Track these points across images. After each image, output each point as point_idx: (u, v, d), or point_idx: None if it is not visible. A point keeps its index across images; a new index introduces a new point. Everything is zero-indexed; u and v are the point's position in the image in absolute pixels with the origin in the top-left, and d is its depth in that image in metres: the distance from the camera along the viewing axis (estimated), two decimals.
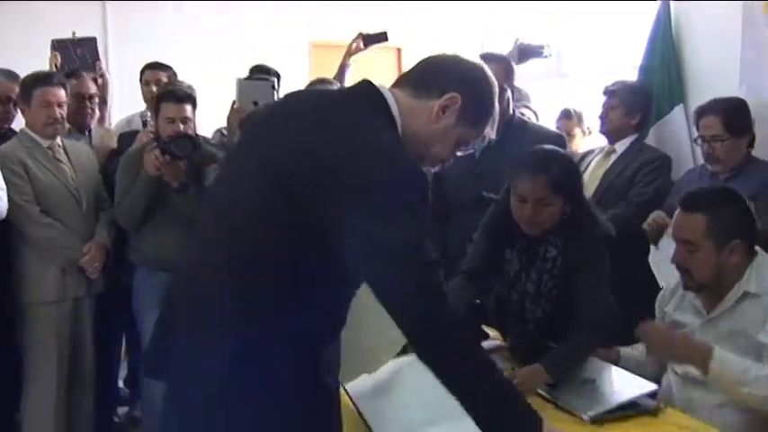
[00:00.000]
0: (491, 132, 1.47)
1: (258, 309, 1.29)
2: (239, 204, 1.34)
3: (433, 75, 1.40)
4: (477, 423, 1.28)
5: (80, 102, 3.24)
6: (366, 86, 1.39)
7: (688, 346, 1.86)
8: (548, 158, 2.00)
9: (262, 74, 3.25)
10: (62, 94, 2.86)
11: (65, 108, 2.88)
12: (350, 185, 1.25)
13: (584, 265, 2.00)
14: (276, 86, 2.97)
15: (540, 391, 1.89)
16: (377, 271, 1.25)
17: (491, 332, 2.32)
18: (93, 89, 3.32)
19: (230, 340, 1.28)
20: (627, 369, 2.03)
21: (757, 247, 1.98)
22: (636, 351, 2.21)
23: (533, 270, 2.09)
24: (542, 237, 2.06)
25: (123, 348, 3.59)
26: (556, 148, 2.11)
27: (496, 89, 1.46)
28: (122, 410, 3.66)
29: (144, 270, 2.95)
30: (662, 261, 2.50)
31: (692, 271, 1.96)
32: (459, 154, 1.46)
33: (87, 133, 3.33)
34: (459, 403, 1.28)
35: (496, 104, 1.46)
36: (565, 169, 2.00)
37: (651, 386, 1.86)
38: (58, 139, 2.92)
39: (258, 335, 1.28)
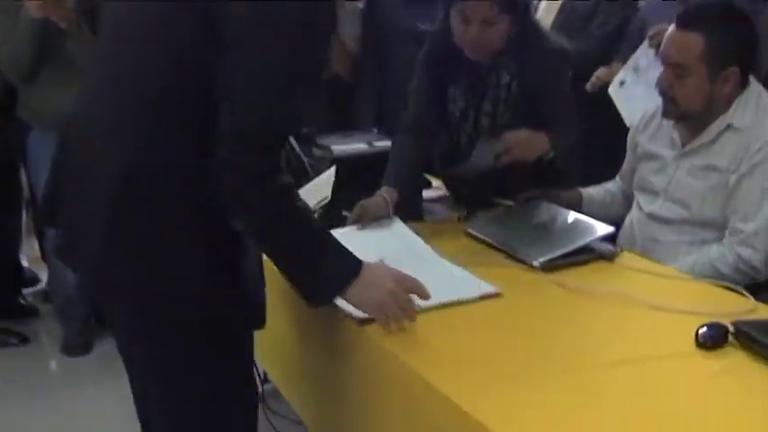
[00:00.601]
0: None
1: (156, 128, 1.32)
2: (136, 22, 1.36)
3: None
4: (282, 266, 1.38)
5: None
6: None
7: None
8: None
9: None
10: None
11: None
12: None
13: (544, 86, 2.04)
14: None
15: (486, 238, 1.96)
16: (239, 91, 1.26)
17: (434, 181, 2.39)
18: None
19: (123, 162, 1.32)
20: (591, 212, 2.09)
21: (752, 77, 1.98)
22: (601, 190, 2.31)
23: (486, 102, 2.12)
24: (492, 63, 2.07)
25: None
26: None
27: None
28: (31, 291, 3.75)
29: (39, 131, 2.91)
30: (627, 98, 2.55)
31: (677, 99, 1.96)
32: None
33: None
34: (264, 249, 1.38)
35: None
36: None
37: (608, 229, 1.90)
38: None
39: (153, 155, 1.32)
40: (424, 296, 1.46)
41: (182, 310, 1.37)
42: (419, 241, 1.89)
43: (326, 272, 1.42)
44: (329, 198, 1.98)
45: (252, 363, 1.56)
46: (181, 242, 1.34)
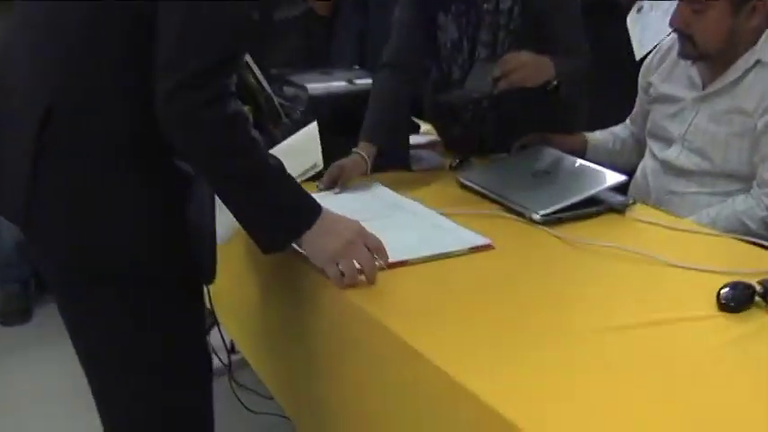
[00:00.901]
0: None
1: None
2: None
3: None
4: (233, 208, 1.37)
5: None
6: None
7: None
8: None
9: None
10: None
11: None
12: None
13: (551, 7, 2.00)
14: None
15: (480, 188, 1.92)
16: (167, 17, 1.27)
17: (423, 125, 2.34)
18: None
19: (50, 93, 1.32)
20: (597, 160, 2.05)
21: None
22: (609, 135, 2.27)
23: (483, 31, 2.06)
24: None
25: None
26: None
27: None
28: None
29: None
30: (641, 26, 2.48)
31: (695, 38, 1.91)
32: None
33: None
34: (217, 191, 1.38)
35: None
36: None
37: (619, 177, 1.86)
38: None
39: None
40: (383, 258, 1.45)
41: (116, 267, 1.36)
42: (403, 199, 1.87)
43: (281, 215, 1.40)
44: (321, 166, 1.91)
45: (202, 323, 1.55)
46: (111, 191, 1.34)
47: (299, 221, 1.41)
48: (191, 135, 1.31)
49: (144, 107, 1.29)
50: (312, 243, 1.41)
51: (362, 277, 1.42)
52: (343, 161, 1.93)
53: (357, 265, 1.41)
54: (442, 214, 1.75)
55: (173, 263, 1.39)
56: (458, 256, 1.56)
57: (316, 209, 1.41)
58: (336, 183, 1.91)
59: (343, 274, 1.41)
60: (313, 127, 1.95)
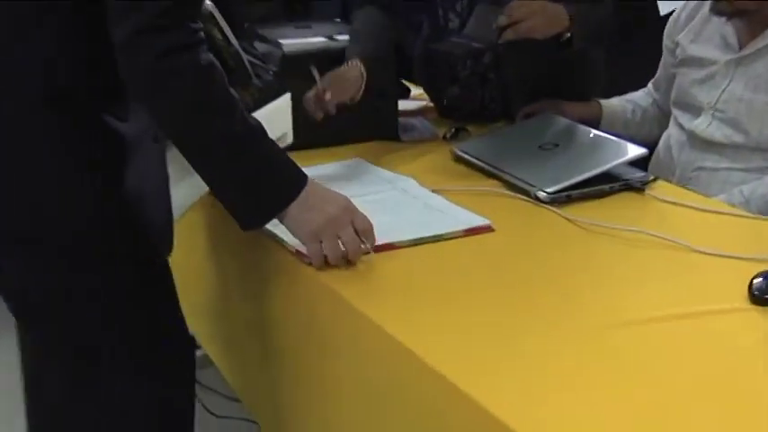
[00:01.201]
0: None
1: None
2: None
3: None
4: (206, 177, 1.40)
5: None
6: None
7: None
8: None
9: None
10: None
11: None
12: None
13: None
14: None
15: (479, 161, 1.91)
16: None
17: (414, 89, 2.33)
18: None
19: None
20: (612, 130, 2.04)
21: None
22: (628, 103, 2.25)
23: None
24: None
25: None
26: None
27: None
28: None
29: None
30: None
31: None
32: None
33: None
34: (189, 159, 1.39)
35: None
36: None
37: (638, 150, 1.84)
38: None
39: None
40: (369, 242, 1.44)
41: (54, 241, 1.37)
42: (390, 173, 1.86)
43: (264, 184, 1.40)
44: (291, 139, 1.89)
45: (171, 306, 1.56)
46: (28, 149, 1.34)
47: (284, 192, 1.40)
48: (160, 90, 1.31)
49: (67, 50, 1.31)
50: (294, 217, 1.40)
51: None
52: (339, 70, 1.90)
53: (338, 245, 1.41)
54: (434, 191, 1.74)
55: (119, 236, 1.39)
56: (451, 238, 1.54)
57: (302, 178, 1.41)
58: (330, 94, 1.85)
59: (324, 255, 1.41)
60: (286, 98, 1.93)
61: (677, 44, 2.11)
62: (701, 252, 1.48)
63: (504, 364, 1.16)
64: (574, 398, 1.07)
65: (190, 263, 1.87)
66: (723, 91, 1.98)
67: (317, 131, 1.90)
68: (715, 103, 1.99)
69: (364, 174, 1.88)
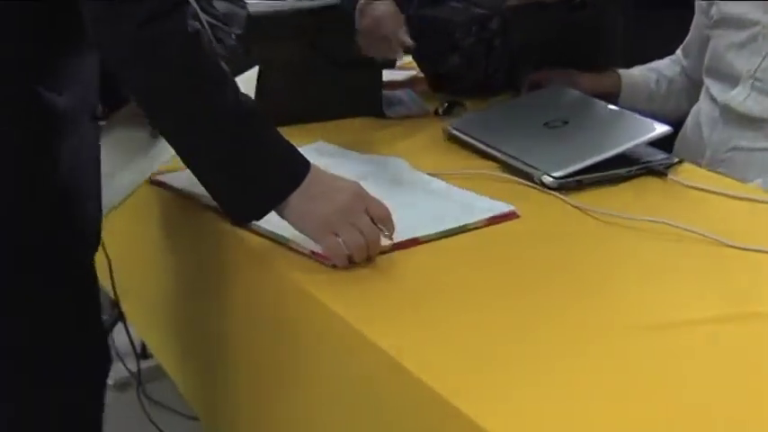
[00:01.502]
0: None
1: None
2: None
3: None
4: (194, 164, 1.39)
5: None
6: None
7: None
8: None
9: None
10: None
11: None
12: None
13: None
14: None
15: (475, 141, 1.89)
16: None
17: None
18: None
19: None
20: (633, 106, 2.04)
21: None
22: (652, 73, 2.24)
23: None
24: None
25: None
26: None
27: None
28: None
29: None
30: None
31: None
32: None
33: None
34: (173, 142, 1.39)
35: None
36: None
37: (660, 129, 1.82)
38: None
39: None
40: (388, 230, 1.43)
41: None
42: (380, 157, 1.85)
43: (261, 170, 1.38)
44: None
45: (91, 305, 1.54)
46: None
47: (284, 180, 1.38)
48: (144, 60, 1.30)
49: None
50: (298, 209, 1.38)
51: None
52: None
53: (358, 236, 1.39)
54: (429, 174, 1.73)
55: (41, 225, 1.38)
56: (474, 228, 1.55)
57: (304, 163, 1.39)
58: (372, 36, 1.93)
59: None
60: (254, 72, 1.92)
61: (712, 2, 2.08)
62: (734, 247, 1.46)
63: (509, 378, 1.13)
64: (599, 418, 1.03)
65: (136, 258, 1.86)
66: (765, 57, 1.96)
67: (284, 106, 1.87)
68: (755, 72, 1.97)
69: (348, 157, 1.86)
